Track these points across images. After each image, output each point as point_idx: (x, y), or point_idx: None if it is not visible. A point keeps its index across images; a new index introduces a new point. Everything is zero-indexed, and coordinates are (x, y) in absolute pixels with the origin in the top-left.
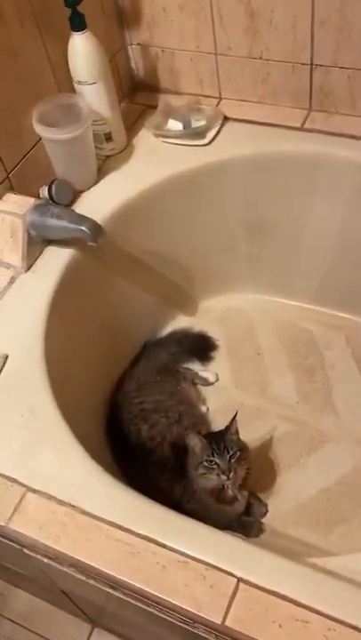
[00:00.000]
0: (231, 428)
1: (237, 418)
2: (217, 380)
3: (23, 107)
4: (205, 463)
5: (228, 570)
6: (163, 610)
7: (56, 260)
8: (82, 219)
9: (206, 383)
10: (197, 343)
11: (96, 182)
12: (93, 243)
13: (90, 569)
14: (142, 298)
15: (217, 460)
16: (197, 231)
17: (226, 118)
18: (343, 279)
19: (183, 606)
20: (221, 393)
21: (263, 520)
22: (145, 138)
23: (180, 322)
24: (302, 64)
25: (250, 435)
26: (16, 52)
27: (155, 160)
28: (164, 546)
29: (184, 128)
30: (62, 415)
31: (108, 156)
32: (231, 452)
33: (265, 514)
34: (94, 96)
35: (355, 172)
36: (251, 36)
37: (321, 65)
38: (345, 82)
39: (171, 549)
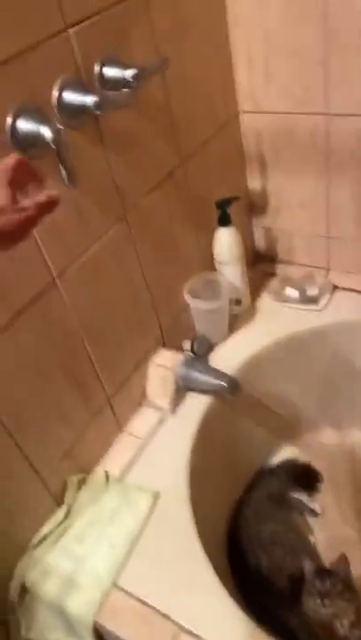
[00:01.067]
0: (341, 565)
1: (341, 549)
2: (322, 512)
3: (177, 281)
4: (310, 588)
5: None
6: None
7: (196, 405)
8: (222, 375)
9: (313, 514)
10: (304, 474)
11: (227, 337)
12: (231, 395)
13: None
14: (258, 431)
15: (318, 587)
16: (306, 378)
17: (335, 287)
18: None
19: None
20: (327, 525)
21: None
22: (266, 301)
23: (287, 452)
24: None
25: (354, 568)
26: (178, 243)
27: (274, 321)
28: None
29: (300, 295)
30: (207, 555)
31: (236, 315)
32: (333, 583)
33: None
34: (231, 273)
35: None
36: (358, 224)
37: None
38: None
39: None
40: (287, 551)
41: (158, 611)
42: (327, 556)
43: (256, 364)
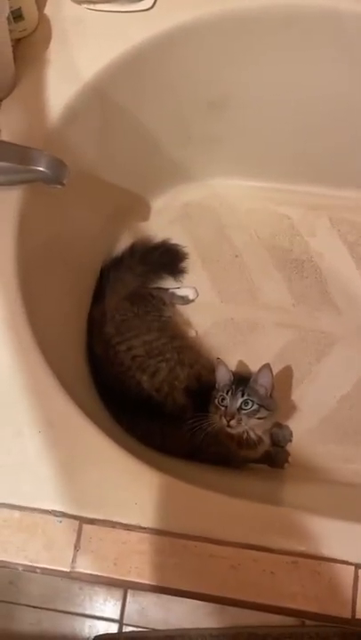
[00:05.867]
0: (259, 377)
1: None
2: (197, 295)
3: None
4: (217, 401)
5: (343, 558)
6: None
7: (3, 208)
8: (34, 155)
9: (186, 302)
10: (163, 255)
11: (16, 85)
12: (59, 185)
13: (187, 594)
14: (94, 218)
15: (227, 402)
16: (147, 120)
17: None
18: (318, 149)
19: (307, 609)
20: (206, 310)
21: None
22: (62, 6)
23: (134, 232)
24: None
25: (250, 352)
26: None
27: (85, 40)
28: (265, 549)
29: None
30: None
31: (18, 40)
32: (245, 399)
33: (290, 440)
34: None
35: (334, 26)
36: None
37: None
38: None
39: (273, 551)
40: (173, 363)
41: (45, 510)
42: (215, 345)
43: (71, 119)
